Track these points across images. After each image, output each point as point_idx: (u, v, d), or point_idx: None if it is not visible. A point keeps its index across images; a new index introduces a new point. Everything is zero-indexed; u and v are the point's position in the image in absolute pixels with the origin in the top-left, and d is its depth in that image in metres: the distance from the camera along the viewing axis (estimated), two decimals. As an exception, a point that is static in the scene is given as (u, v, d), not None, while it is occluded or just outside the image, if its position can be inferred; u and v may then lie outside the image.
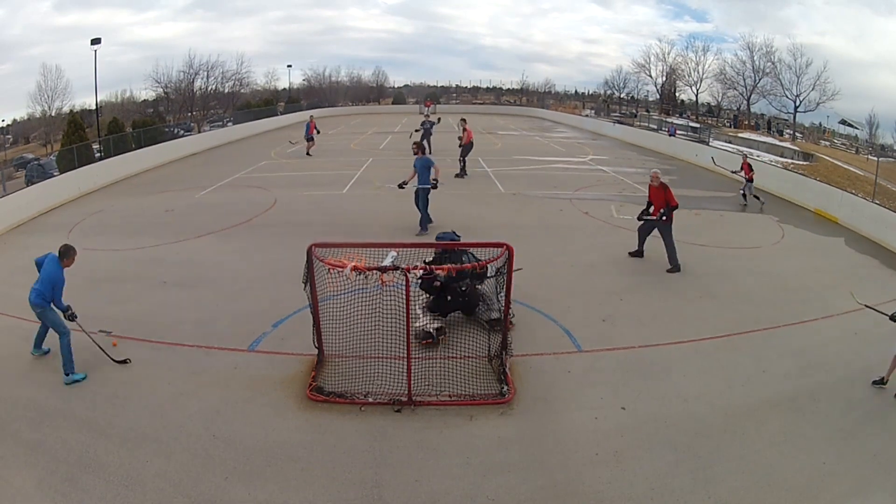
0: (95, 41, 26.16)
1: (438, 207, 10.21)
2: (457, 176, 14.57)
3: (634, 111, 41.05)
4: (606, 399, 4.86)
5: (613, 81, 45.02)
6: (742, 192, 12.57)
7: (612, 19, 53.06)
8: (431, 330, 5.74)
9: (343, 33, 56.19)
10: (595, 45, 54.62)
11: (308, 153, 19.29)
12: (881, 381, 5.26)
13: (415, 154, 9.77)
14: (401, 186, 10.19)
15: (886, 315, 5.02)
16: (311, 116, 21.42)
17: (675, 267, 8.13)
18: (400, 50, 62.39)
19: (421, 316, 5.85)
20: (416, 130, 17.36)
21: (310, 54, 62.03)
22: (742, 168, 12.82)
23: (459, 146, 14.84)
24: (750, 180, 12.60)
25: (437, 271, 4.82)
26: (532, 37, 55.75)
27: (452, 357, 5.18)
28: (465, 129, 14.83)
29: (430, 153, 13.88)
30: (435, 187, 9.70)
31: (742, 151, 15.76)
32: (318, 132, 19.98)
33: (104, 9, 40.25)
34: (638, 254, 8.68)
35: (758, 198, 12.54)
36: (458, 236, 6.73)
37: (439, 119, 19.33)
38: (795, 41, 32.83)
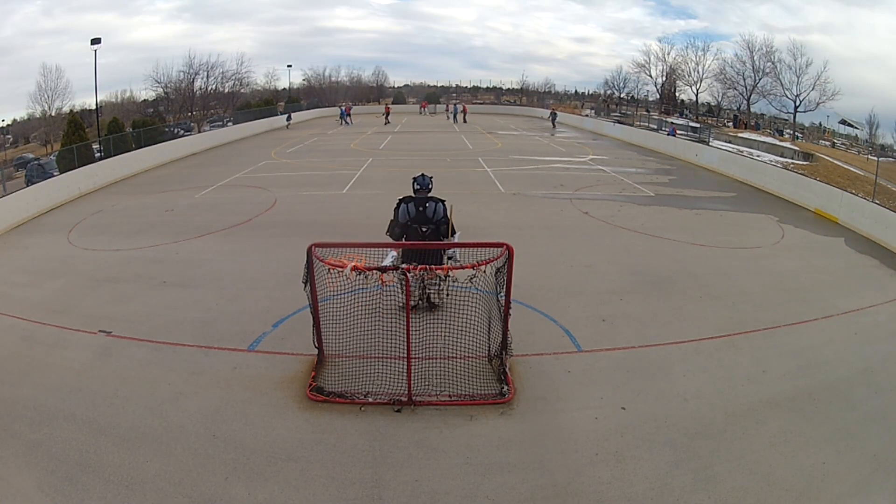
0: (95, 41, 26.15)
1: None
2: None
3: (634, 111, 41.09)
4: (606, 399, 4.86)
5: (613, 81, 45.18)
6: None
7: (608, 19, 53.30)
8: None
9: (339, 35, 56.42)
10: (593, 44, 54.82)
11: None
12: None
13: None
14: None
15: None
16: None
17: None
18: (400, 50, 62.70)
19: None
20: (385, 121, 26.34)
21: (305, 56, 62.61)
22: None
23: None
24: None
25: (437, 270, 4.81)
26: (526, 37, 56.01)
27: (452, 357, 5.17)
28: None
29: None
30: None
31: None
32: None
33: (92, 13, 40.48)
34: None
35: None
36: (430, 177, 6.58)
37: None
38: (796, 41, 32.92)
